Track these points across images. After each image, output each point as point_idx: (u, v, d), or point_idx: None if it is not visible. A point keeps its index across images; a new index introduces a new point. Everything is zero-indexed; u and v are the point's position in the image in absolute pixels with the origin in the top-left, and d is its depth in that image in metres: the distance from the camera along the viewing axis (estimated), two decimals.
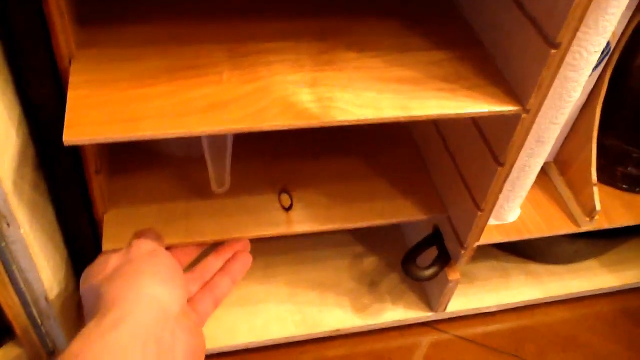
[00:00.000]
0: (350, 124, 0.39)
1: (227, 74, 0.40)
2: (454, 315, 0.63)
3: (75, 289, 0.51)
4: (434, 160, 0.57)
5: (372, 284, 0.63)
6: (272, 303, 0.60)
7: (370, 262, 0.65)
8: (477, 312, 0.63)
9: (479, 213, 0.49)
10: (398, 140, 0.61)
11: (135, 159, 0.54)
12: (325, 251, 0.65)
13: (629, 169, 0.59)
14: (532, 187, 0.53)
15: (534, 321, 0.65)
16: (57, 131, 0.35)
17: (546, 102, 0.42)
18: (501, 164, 0.45)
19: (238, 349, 0.57)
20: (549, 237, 0.57)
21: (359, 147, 0.59)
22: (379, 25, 0.47)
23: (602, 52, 0.45)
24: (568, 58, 0.42)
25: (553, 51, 0.37)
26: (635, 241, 0.69)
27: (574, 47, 0.41)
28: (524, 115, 0.41)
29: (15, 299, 0.44)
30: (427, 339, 0.62)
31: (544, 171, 0.60)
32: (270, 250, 0.64)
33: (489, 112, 0.41)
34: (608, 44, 0.49)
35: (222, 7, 0.47)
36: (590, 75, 0.45)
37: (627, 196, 0.60)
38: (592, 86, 0.53)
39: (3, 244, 0.39)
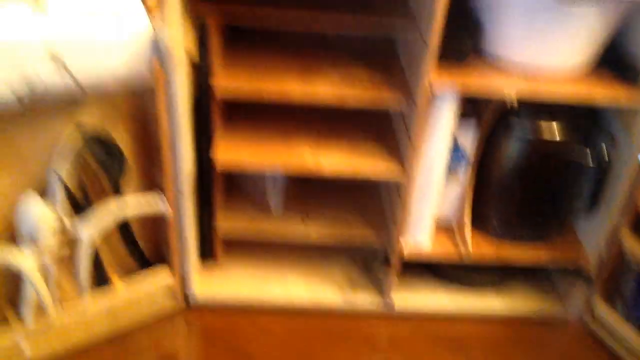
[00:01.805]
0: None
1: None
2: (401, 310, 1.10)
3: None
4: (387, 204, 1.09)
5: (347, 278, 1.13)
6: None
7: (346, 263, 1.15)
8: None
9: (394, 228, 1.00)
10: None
11: (236, 194, 1.11)
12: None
13: (495, 225, 1.06)
14: (441, 230, 1.04)
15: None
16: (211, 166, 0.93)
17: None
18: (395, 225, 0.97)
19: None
20: (463, 266, 1.05)
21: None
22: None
23: (463, 158, 0.98)
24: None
25: None
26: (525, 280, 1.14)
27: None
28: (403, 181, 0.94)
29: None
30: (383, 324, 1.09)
31: (449, 223, 1.09)
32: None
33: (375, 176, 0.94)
34: (466, 154, 1.00)
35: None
36: (461, 169, 0.97)
37: (497, 241, 1.07)
38: (463, 176, 1.04)
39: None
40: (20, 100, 0.68)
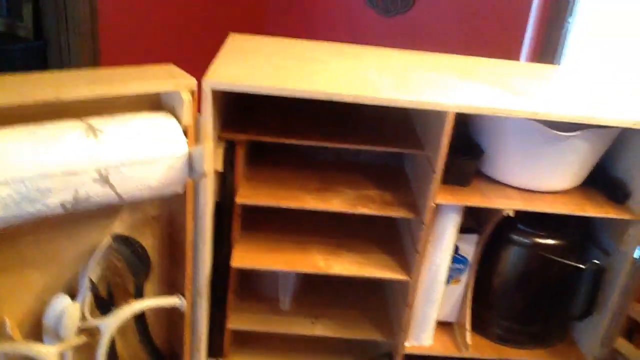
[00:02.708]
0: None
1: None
2: None
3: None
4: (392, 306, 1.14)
5: None
6: None
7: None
8: None
9: (401, 333, 1.05)
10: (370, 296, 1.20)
11: (248, 291, 1.16)
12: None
13: (496, 331, 1.12)
14: (443, 330, 1.09)
15: None
16: (227, 264, 0.99)
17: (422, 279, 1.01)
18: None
19: None
20: None
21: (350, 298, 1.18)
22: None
23: (465, 264, 1.04)
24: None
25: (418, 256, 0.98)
26: None
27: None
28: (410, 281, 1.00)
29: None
30: None
31: (451, 324, 1.14)
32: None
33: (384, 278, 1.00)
34: (467, 260, 1.07)
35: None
36: (463, 275, 1.04)
37: (497, 346, 1.12)
38: (466, 282, 1.10)
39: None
40: (66, 209, 0.75)
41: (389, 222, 1.17)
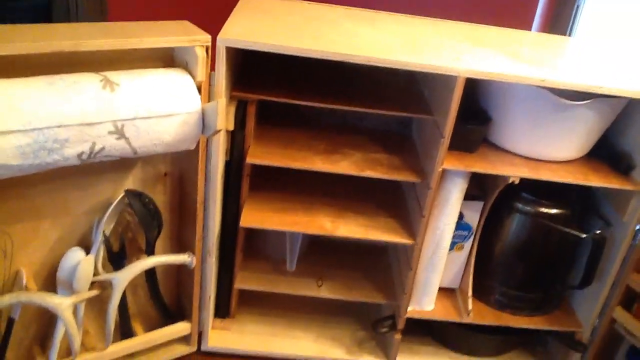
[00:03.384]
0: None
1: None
2: None
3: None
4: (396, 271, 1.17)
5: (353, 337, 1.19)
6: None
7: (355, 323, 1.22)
8: None
9: (404, 296, 1.07)
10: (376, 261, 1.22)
11: (255, 251, 1.19)
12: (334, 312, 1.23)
13: (497, 297, 1.14)
14: (444, 296, 1.11)
15: None
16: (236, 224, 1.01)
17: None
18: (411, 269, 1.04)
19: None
20: (463, 332, 1.13)
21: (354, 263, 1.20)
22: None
23: (469, 231, 1.06)
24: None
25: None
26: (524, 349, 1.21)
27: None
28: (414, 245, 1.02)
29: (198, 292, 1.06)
30: None
31: (453, 291, 1.16)
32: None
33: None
34: (471, 227, 1.09)
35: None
36: (466, 242, 1.06)
37: (497, 312, 1.14)
38: (469, 249, 1.12)
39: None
40: (82, 161, 0.77)
41: (395, 186, 1.19)
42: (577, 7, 1.86)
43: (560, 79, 0.90)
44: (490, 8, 1.97)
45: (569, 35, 1.91)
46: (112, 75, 0.78)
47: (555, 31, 1.90)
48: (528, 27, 1.95)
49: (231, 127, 0.96)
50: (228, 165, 1.01)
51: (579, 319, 1.14)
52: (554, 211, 1.05)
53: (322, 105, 0.97)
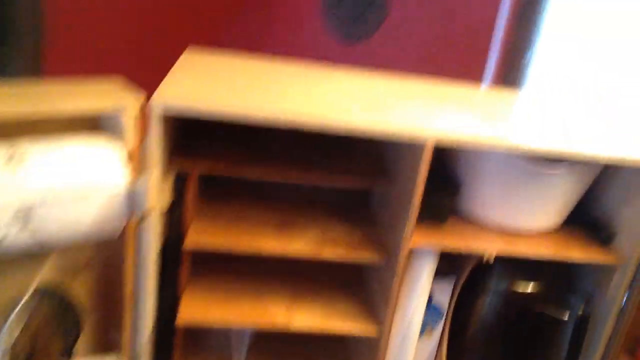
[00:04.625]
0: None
1: None
2: None
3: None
4: None
5: None
6: None
7: None
8: None
9: None
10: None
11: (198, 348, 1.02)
12: None
13: None
14: None
15: None
16: (172, 319, 0.85)
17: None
18: None
19: None
20: None
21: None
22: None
23: (439, 314, 0.94)
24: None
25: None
26: None
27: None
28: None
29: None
30: None
31: None
32: None
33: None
34: (441, 310, 0.97)
35: None
36: (436, 326, 0.94)
37: None
38: (439, 334, 1.00)
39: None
40: None
41: (356, 267, 1.07)
42: (529, 60, 1.86)
43: (538, 145, 0.81)
44: (442, 63, 1.94)
45: (522, 85, 1.90)
46: (22, 146, 0.64)
47: (507, 84, 1.89)
48: (479, 80, 1.93)
49: (166, 205, 0.82)
50: (164, 250, 0.86)
51: None
52: (530, 290, 0.95)
53: (271, 178, 0.85)
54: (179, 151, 0.87)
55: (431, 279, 0.91)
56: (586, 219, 0.97)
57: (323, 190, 1.06)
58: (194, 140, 0.92)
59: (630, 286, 0.92)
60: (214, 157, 0.87)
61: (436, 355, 1.00)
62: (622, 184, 0.93)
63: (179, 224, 0.86)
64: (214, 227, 0.90)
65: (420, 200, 0.82)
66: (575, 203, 0.95)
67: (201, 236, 0.87)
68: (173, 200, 0.83)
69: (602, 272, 0.95)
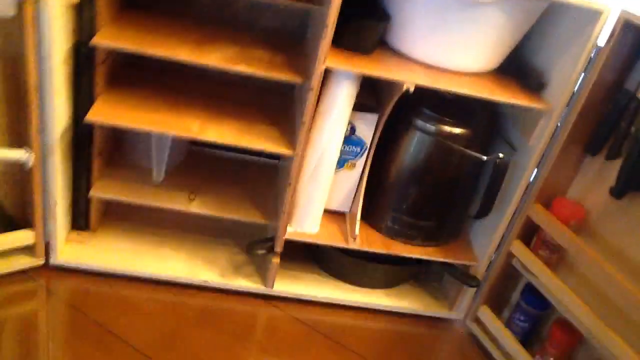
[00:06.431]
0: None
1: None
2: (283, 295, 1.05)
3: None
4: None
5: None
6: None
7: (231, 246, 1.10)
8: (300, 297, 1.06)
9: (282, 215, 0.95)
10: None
11: (119, 160, 1.03)
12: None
13: (388, 223, 1.03)
14: (333, 220, 0.99)
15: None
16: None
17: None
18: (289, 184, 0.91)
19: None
20: (349, 259, 1.02)
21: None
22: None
23: (362, 147, 0.94)
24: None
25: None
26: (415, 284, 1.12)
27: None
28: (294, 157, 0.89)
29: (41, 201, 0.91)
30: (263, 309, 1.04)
31: (344, 215, 1.05)
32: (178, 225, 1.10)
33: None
34: (364, 142, 0.96)
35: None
36: (359, 160, 0.93)
37: (388, 240, 1.03)
38: (361, 168, 1.00)
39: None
40: None
41: (285, 92, 1.05)
42: None
43: None
44: None
45: None
46: None
47: None
48: None
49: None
50: (78, 50, 0.84)
51: (474, 252, 1.05)
52: (455, 130, 0.94)
53: None
54: None
55: (350, 106, 0.89)
56: (522, 68, 0.93)
57: (263, 17, 1.02)
58: None
59: (552, 135, 0.90)
60: None
61: (357, 189, 1.01)
62: (559, 33, 0.89)
63: (91, 22, 0.82)
64: (129, 29, 0.86)
65: (344, 26, 0.80)
66: (509, 47, 0.90)
67: (113, 34, 0.84)
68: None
69: (528, 120, 0.93)
